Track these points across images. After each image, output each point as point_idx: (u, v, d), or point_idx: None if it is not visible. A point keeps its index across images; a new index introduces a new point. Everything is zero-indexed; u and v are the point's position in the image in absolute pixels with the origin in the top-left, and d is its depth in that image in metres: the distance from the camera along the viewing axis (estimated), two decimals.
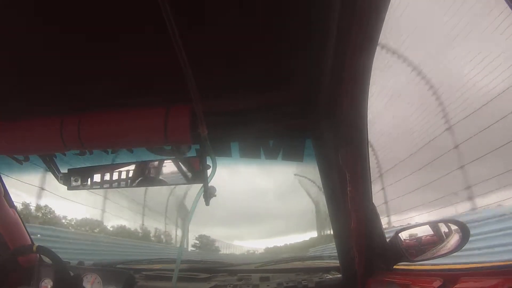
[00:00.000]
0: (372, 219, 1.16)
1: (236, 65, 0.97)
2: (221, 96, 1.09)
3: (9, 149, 1.14)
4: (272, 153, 1.30)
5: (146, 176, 1.22)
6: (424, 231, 1.18)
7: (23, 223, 1.57)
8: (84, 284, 1.46)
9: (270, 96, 1.08)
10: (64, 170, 1.29)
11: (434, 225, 1.18)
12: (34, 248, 1.29)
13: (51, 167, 1.29)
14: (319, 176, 1.20)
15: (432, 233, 1.16)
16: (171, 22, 0.58)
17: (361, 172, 1.07)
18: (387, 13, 0.68)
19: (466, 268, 0.87)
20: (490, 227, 4.76)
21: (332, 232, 1.29)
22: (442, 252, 1.10)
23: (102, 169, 1.26)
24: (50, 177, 1.30)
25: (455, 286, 0.80)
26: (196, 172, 1.16)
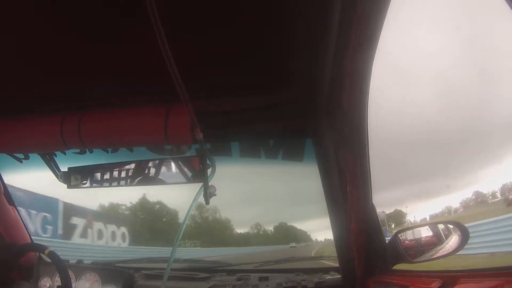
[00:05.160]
0: (372, 219, 1.16)
1: (236, 65, 0.97)
2: (221, 96, 1.09)
3: (9, 147, 1.14)
4: (272, 153, 1.30)
5: (146, 175, 1.23)
6: (423, 232, 1.18)
7: (22, 221, 1.57)
8: (83, 283, 1.46)
9: (270, 96, 1.08)
10: (64, 168, 1.30)
11: (433, 226, 1.19)
12: (47, 252, 1.25)
13: (51, 165, 1.29)
14: (319, 176, 1.20)
15: (431, 234, 1.16)
16: (158, 23, 0.58)
17: (361, 172, 1.07)
18: (387, 13, 0.68)
19: (465, 269, 0.86)
20: None
21: (331, 233, 1.29)
22: (441, 253, 1.10)
23: (102, 168, 1.26)
24: (50, 175, 1.30)
25: (454, 287, 0.80)
26: (196, 171, 1.16)
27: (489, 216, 6.62)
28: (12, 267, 1.40)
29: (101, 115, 1.04)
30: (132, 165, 1.25)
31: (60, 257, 1.28)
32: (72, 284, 1.34)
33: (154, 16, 0.57)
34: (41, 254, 1.45)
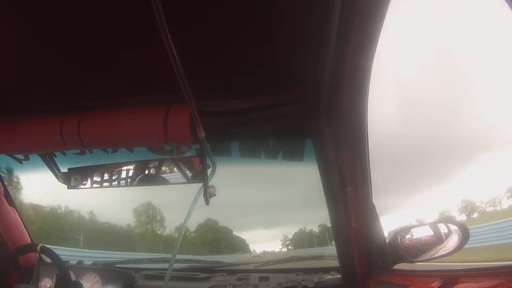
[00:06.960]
0: (372, 219, 1.16)
1: (236, 66, 0.97)
2: (222, 96, 1.09)
3: (9, 148, 1.14)
4: (272, 153, 1.30)
5: (146, 175, 1.23)
6: (423, 232, 1.18)
7: (22, 222, 1.57)
8: (84, 284, 1.46)
9: (270, 96, 1.08)
10: (64, 169, 1.30)
11: (433, 225, 1.18)
12: (38, 248, 1.26)
13: (51, 166, 1.29)
14: (319, 176, 1.20)
15: (432, 233, 1.16)
16: (162, 23, 0.58)
17: (360, 172, 1.07)
18: (387, 13, 0.68)
19: (466, 269, 0.86)
20: None
21: (332, 233, 1.29)
22: (442, 253, 1.10)
23: (102, 168, 1.26)
24: (50, 176, 1.30)
25: (455, 287, 0.80)
26: (196, 171, 1.16)
27: None
28: (6, 274, 1.41)
29: (101, 116, 1.04)
30: (132, 165, 1.25)
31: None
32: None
33: (159, 16, 0.57)
34: (41, 255, 1.45)
